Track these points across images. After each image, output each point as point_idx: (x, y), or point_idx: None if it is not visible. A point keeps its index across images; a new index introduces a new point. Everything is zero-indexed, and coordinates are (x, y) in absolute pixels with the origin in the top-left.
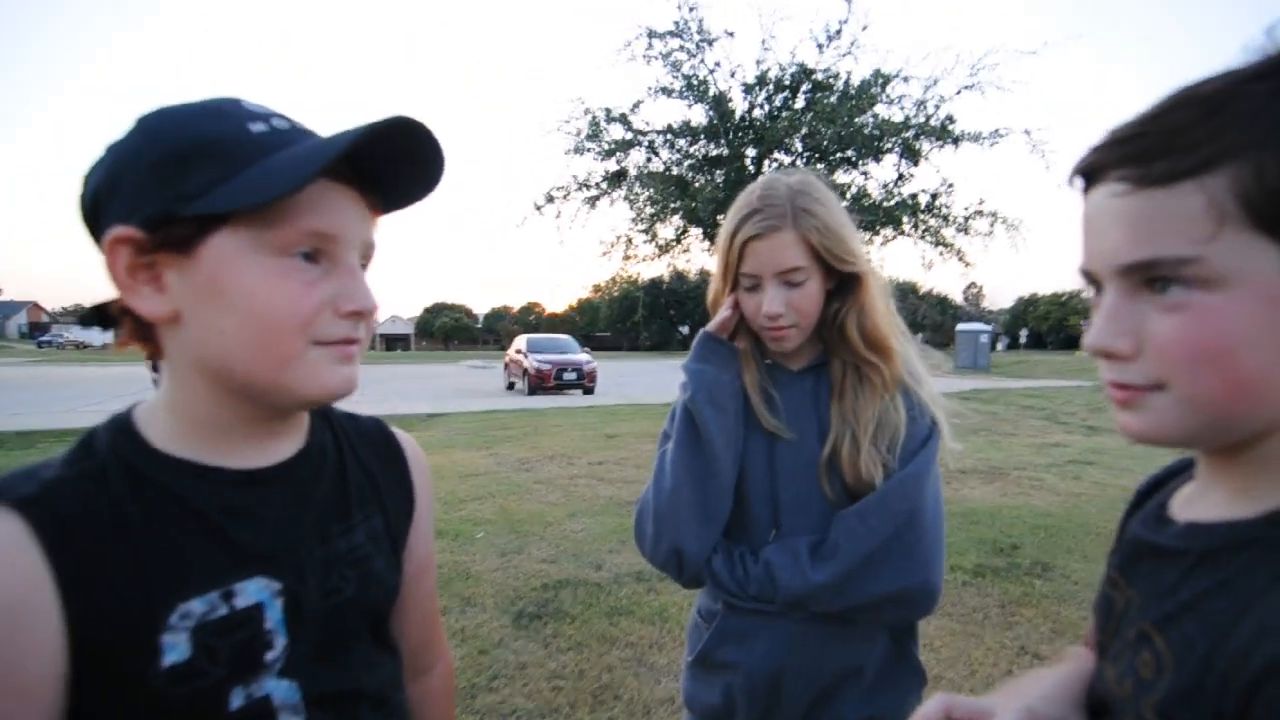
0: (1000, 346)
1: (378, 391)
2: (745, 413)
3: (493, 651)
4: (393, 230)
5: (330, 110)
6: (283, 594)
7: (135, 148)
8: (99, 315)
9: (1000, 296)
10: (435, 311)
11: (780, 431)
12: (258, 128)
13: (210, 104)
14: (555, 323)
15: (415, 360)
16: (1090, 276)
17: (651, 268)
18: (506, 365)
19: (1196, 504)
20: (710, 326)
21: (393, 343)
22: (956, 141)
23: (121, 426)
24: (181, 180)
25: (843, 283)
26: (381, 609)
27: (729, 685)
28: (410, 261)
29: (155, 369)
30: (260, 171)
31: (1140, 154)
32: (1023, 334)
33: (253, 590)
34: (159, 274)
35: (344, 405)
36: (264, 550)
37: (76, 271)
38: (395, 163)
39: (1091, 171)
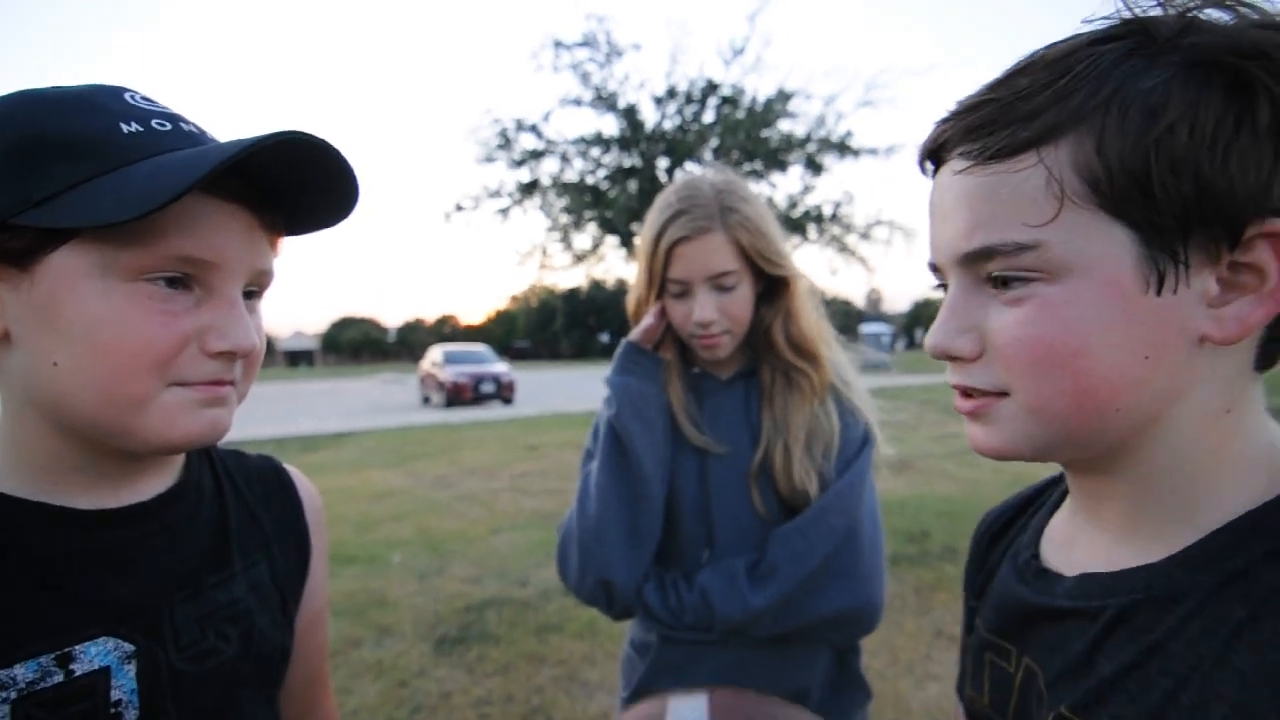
0: (899, 346)
1: (281, 410)
2: (672, 427)
3: (413, 683)
4: (293, 240)
5: (227, 114)
6: (136, 657)
7: None
8: None
9: (897, 300)
10: (342, 325)
11: (710, 446)
12: (131, 127)
13: (85, 92)
14: (472, 334)
15: (321, 376)
16: (936, 272)
17: (569, 277)
18: (422, 379)
19: (1079, 547)
20: (633, 336)
21: (296, 359)
22: (856, 154)
23: None
24: (27, 181)
25: (769, 287)
26: (271, 673)
27: None
28: (313, 273)
29: None
30: (119, 181)
31: (981, 125)
32: (918, 333)
33: (96, 653)
34: None
35: (240, 429)
36: (115, 605)
37: None
38: (300, 181)
39: (938, 151)
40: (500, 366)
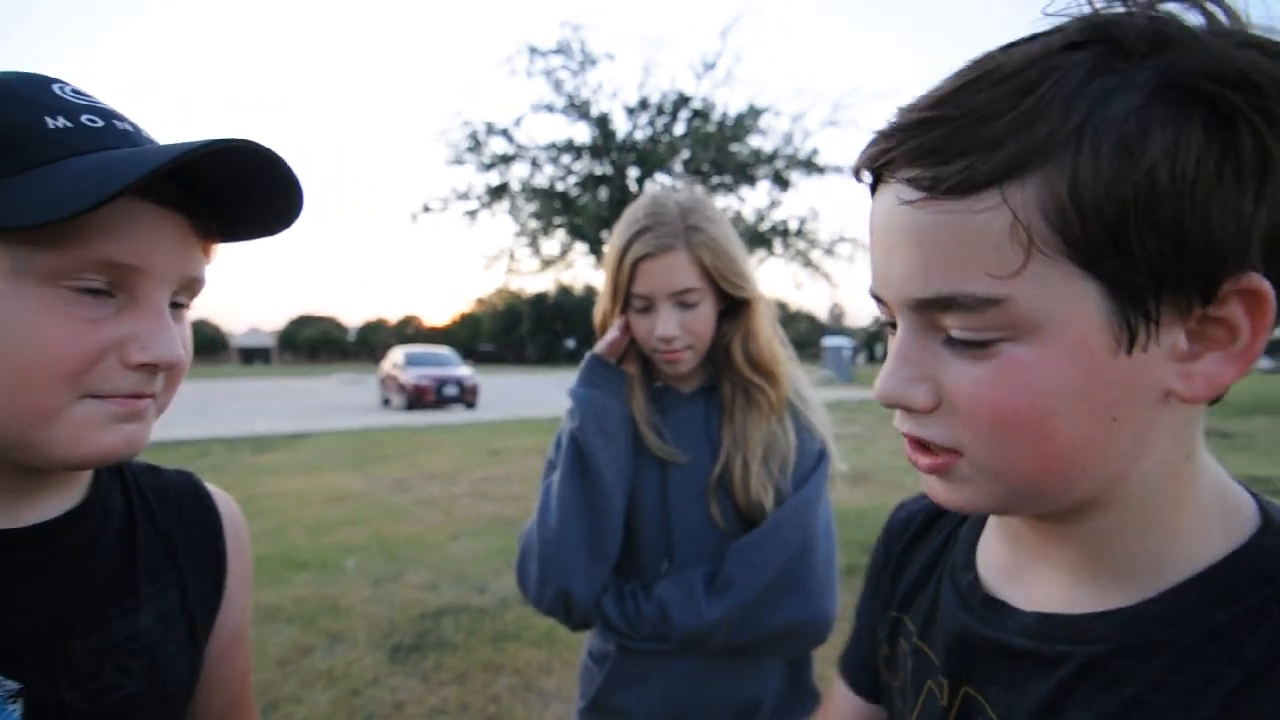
0: (861, 360)
1: (233, 409)
2: (634, 439)
3: (365, 692)
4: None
5: (193, 111)
6: (23, 696)
7: None
8: None
9: (860, 315)
10: (300, 323)
11: (672, 456)
12: (56, 122)
13: (12, 80)
14: (436, 336)
15: (277, 375)
16: (881, 305)
17: (536, 281)
18: (382, 380)
19: (1029, 581)
20: (598, 349)
21: (250, 356)
22: (821, 172)
23: None
24: None
25: (731, 305)
26: (176, 707)
27: None
28: (271, 268)
29: None
30: (39, 180)
31: (933, 150)
32: (878, 348)
33: None
34: None
35: (189, 428)
36: (4, 637)
37: None
38: (244, 188)
39: (875, 169)
40: (464, 370)
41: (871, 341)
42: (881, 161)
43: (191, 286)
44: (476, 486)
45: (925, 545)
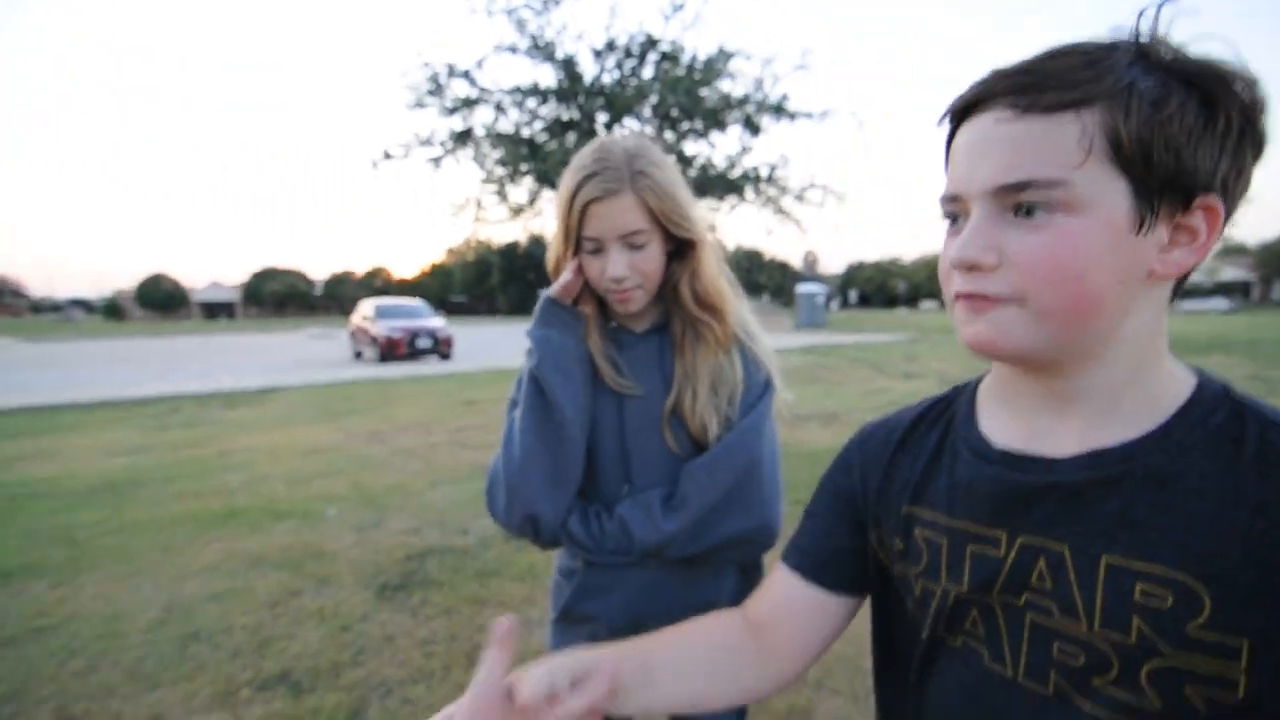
0: (834, 306)
1: (199, 365)
2: (592, 375)
3: (356, 627)
4: (209, 187)
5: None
6: None
7: None
8: None
9: (832, 262)
10: (264, 276)
11: (628, 389)
12: None
13: None
14: (407, 288)
15: (242, 330)
16: (954, 202)
17: (505, 230)
18: (353, 333)
19: (1051, 436)
20: (552, 291)
21: (214, 310)
22: (792, 117)
23: None
24: None
25: (679, 247)
26: None
27: (592, 635)
28: (231, 222)
29: None
30: None
31: (1029, 86)
32: (852, 294)
33: None
34: None
35: (155, 384)
36: None
37: None
38: None
39: (968, 107)
40: (437, 321)
41: (845, 288)
42: (984, 96)
43: None
44: (454, 436)
45: (911, 450)
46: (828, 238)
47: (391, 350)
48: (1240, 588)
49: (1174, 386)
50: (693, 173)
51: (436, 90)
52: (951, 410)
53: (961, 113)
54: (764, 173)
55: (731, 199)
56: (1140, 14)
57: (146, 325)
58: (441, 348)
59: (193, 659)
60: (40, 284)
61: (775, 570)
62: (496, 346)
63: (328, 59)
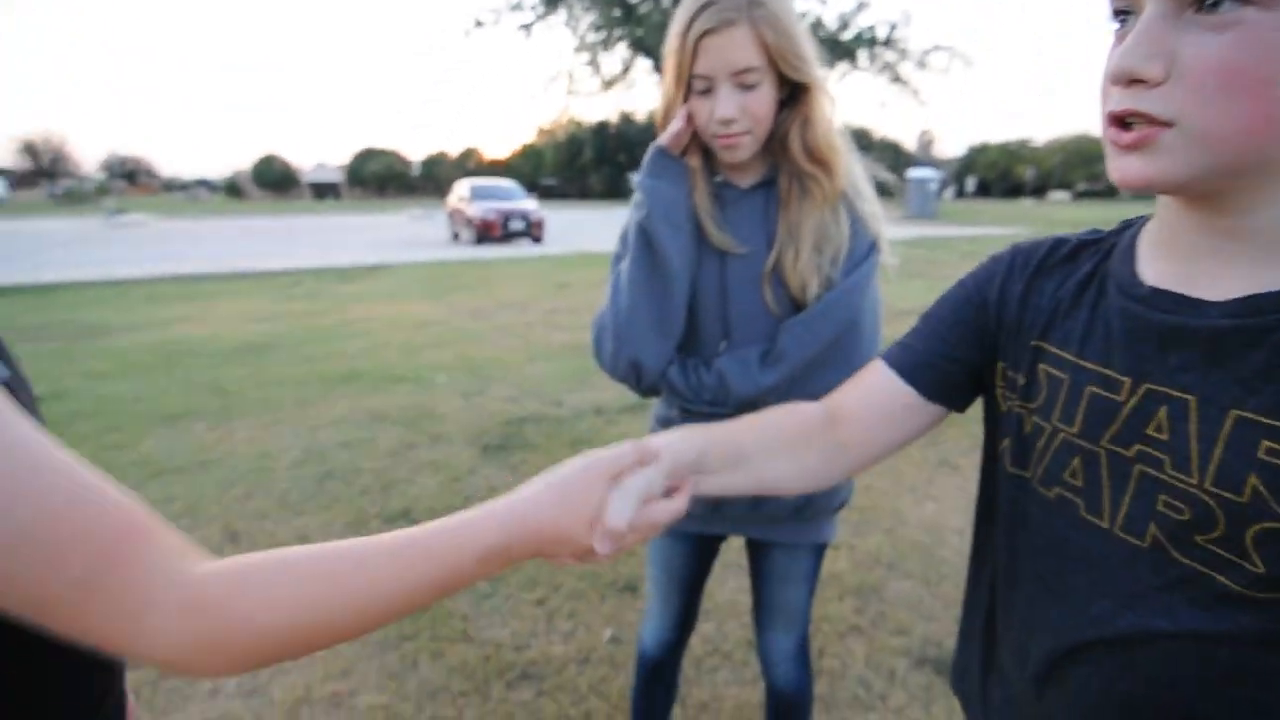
0: (948, 194)
1: (315, 241)
2: (696, 229)
3: (464, 479)
4: (313, 70)
5: None
6: None
7: None
8: None
9: (951, 144)
10: (366, 157)
11: (731, 247)
12: None
13: None
14: (498, 170)
15: (349, 210)
16: (1124, 8)
17: (597, 106)
18: (450, 214)
19: (1210, 282)
20: (662, 140)
21: (321, 191)
22: None
23: None
24: None
25: (791, 95)
26: None
27: None
28: (334, 104)
29: None
30: None
31: None
32: (970, 182)
33: None
34: None
35: (277, 260)
36: None
37: None
38: None
39: None
40: (529, 204)
41: (962, 175)
42: None
43: None
44: (547, 316)
45: (1055, 278)
46: (947, 114)
47: (487, 231)
48: None
49: None
50: None
51: None
52: (1110, 244)
53: None
54: (881, 34)
55: (842, 66)
56: None
57: (263, 204)
58: (534, 230)
59: (329, 493)
60: (169, 164)
61: (871, 365)
62: (587, 230)
63: None
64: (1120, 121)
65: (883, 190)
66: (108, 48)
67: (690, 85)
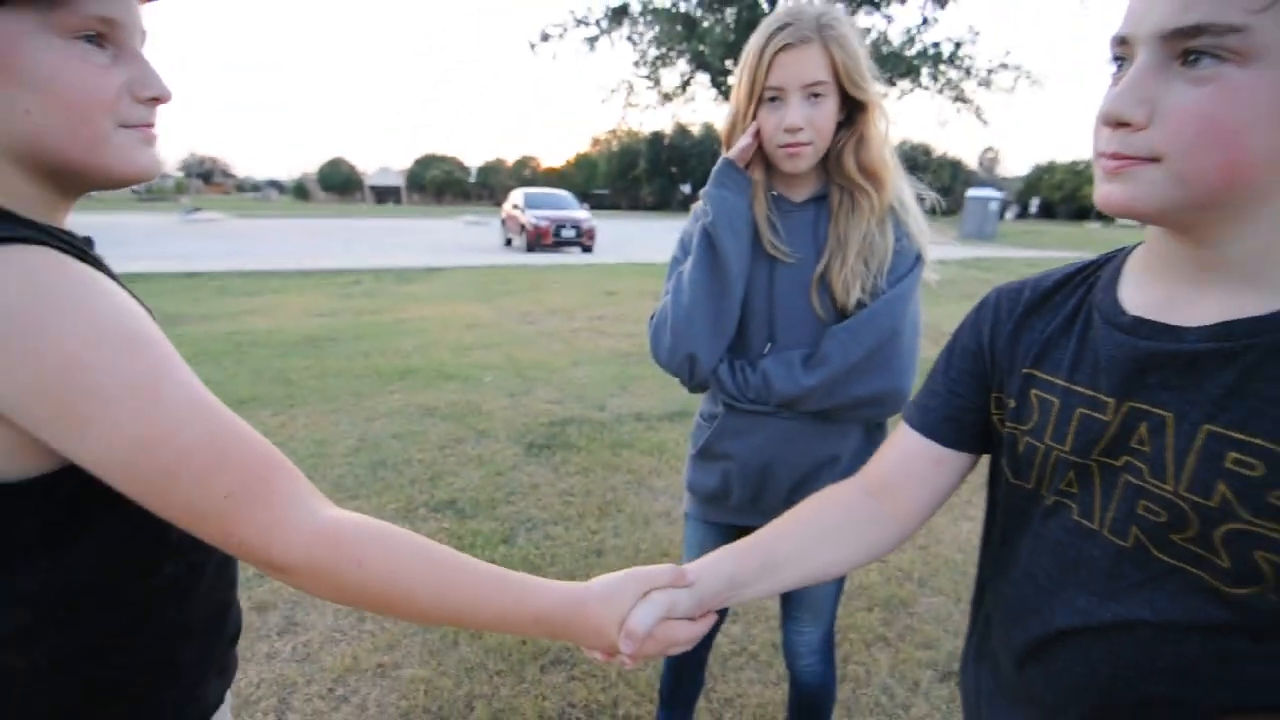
0: (1009, 215)
1: (375, 242)
2: (753, 237)
3: (508, 473)
4: (380, 73)
5: None
6: None
7: None
8: None
9: (1015, 164)
10: (426, 163)
11: (783, 255)
12: None
13: None
14: (552, 179)
15: (409, 215)
16: (1124, 44)
17: (654, 118)
18: (504, 221)
19: (1189, 308)
20: (731, 154)
21: (383, 195)
22: None
23: None
24: None
25: (850, 115)
26: None
27: (726, 472)
28: (398, 109)
29: None
30: None
31: None
32: (1034, 203)
33: None
34: None
35: (344, 259)
36: None
37: None
38: None
39: None
40: (582, 213)
41: (1026, 195)
42: None
43: (143, 38)
44: (594, 323)
45: (1045, 315)
46: (1012, 132)
47: (539, 239)
48: None
49: None
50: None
51: None
52: (1095, 276)
53: None
54: (946, 51)
55: (903, 84)
56: None
57: (328, 206)
58: (584, 239)
59: (381, 480)
60: (243, 165)
61: (895, 433)
62: (637, 241)
63: None
64: (1110, 156)
65: (940, 209)
66: (191, 54)
67: (762, 97)
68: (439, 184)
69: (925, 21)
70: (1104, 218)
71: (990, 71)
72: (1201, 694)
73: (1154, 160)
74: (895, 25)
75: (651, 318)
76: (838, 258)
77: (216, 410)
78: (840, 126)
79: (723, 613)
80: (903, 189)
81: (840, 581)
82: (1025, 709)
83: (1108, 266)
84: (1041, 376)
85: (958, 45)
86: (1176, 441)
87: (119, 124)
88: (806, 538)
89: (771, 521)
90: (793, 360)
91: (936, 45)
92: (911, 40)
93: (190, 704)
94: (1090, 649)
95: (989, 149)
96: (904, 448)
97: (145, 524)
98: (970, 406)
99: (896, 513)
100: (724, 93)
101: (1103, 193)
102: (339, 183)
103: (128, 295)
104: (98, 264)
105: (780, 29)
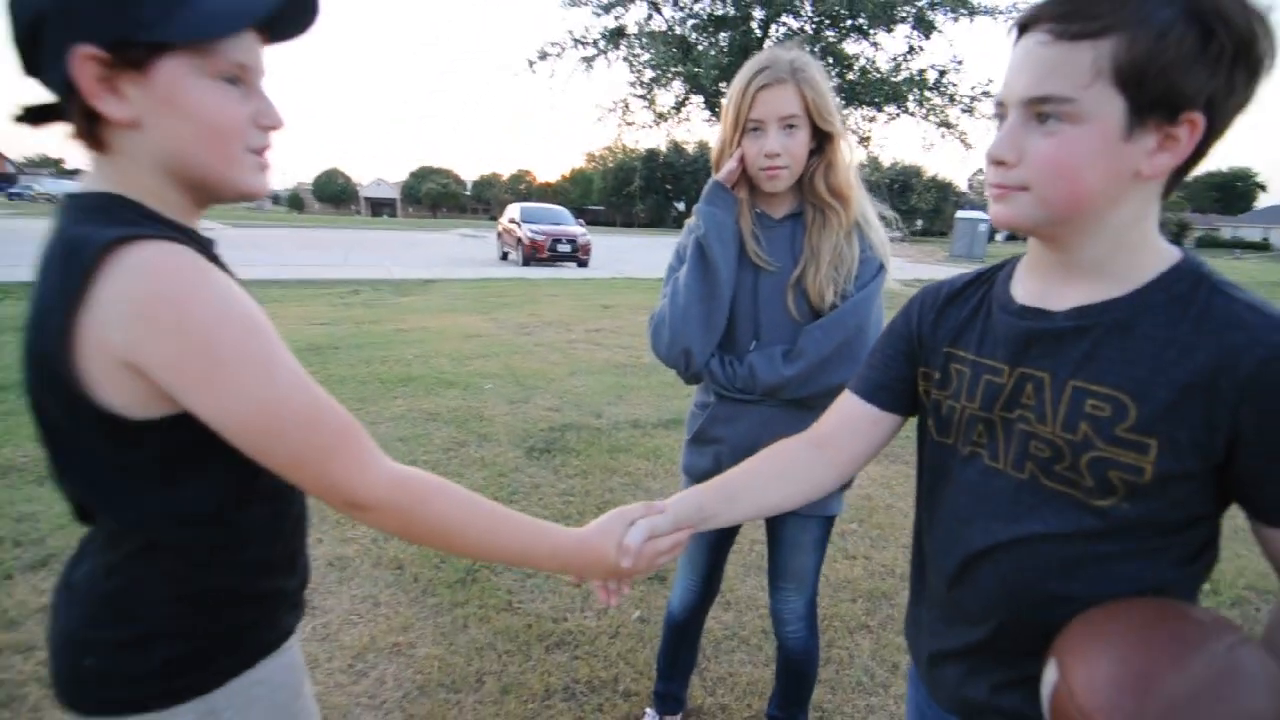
0: (1000, 237)
1: (370, 255)
2: (739, 248)
3: (510, 475)
4: (375, 86)
5: None
6: None
7: None
8: (38, 113)
9: None
10: (421, 176)
11: (765, 264)
12: None
13: None
14: (547, 193)
15: (404, 227)
16: (1001, 106)
17: (649, 137)
18: (500, 234)
19: (1062, 291)
20: (719, 176)
21: (378, 208)
22: (973, 14)
23: (122, 207)
24: (133, 11)
25: (820, 144)
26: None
27: (717, 454)
28: (393, 122)
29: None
30: (200, 9)
31: (1063, 15)
32: None
33: None
34: (117, 86)
35: (340, 270)
36: None
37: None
38: (288, 14)
39: (1026, 25)
40: (577, 228)
41: None
42: (1034, 18)
43: (263, 75)
44: (590, 335)
45: (958, 306)
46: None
47: (534, 253)
48: (1157, 403)
49: (1155, 261)
50: (852, 75)
51: None
52: (994, 276)
53: (1020, 28)
54: (931, 78)
55: (890, 109)
56: None
57: (322, 217)
58: (580, 254)
59: None
60: None
61: (841, 397)
62: (631, 256)
63: None
64: (996, 186)
65: (932, 230)
66: None
67: (745, 128)
68: (434, 196)
69: (911, 50)
70: None
71: (973, 99)
72: (1084, 588)
73: (1024, 189)
74: (883, 53)
75: (651, 317)
76: (812, 266)
77: (312, 385)
78: (812, 154)
79: (711, 595)
80: (866, 208)
81: (820, 554)
82: (958, 626)
83: (1003, 270)
84: (958, 353)
85: (942, 73)
86: (1052, 395)
87: (246, 148)
88: (762, 477)
89: (732, 468)
90: (774, 354)
91: (922, 73)
92: (898, 68)
93: (270, 628)
94: (1001, 563)
95: (979, 171)
96: (846, 409)
97: (239, 471)
98: (901, 378)
99: (837, 460)
100: (717, 114)
101: (993, 213)
102: (334, 194)
103: (241, 288)
104: (218, 261)
105: (760, 71)
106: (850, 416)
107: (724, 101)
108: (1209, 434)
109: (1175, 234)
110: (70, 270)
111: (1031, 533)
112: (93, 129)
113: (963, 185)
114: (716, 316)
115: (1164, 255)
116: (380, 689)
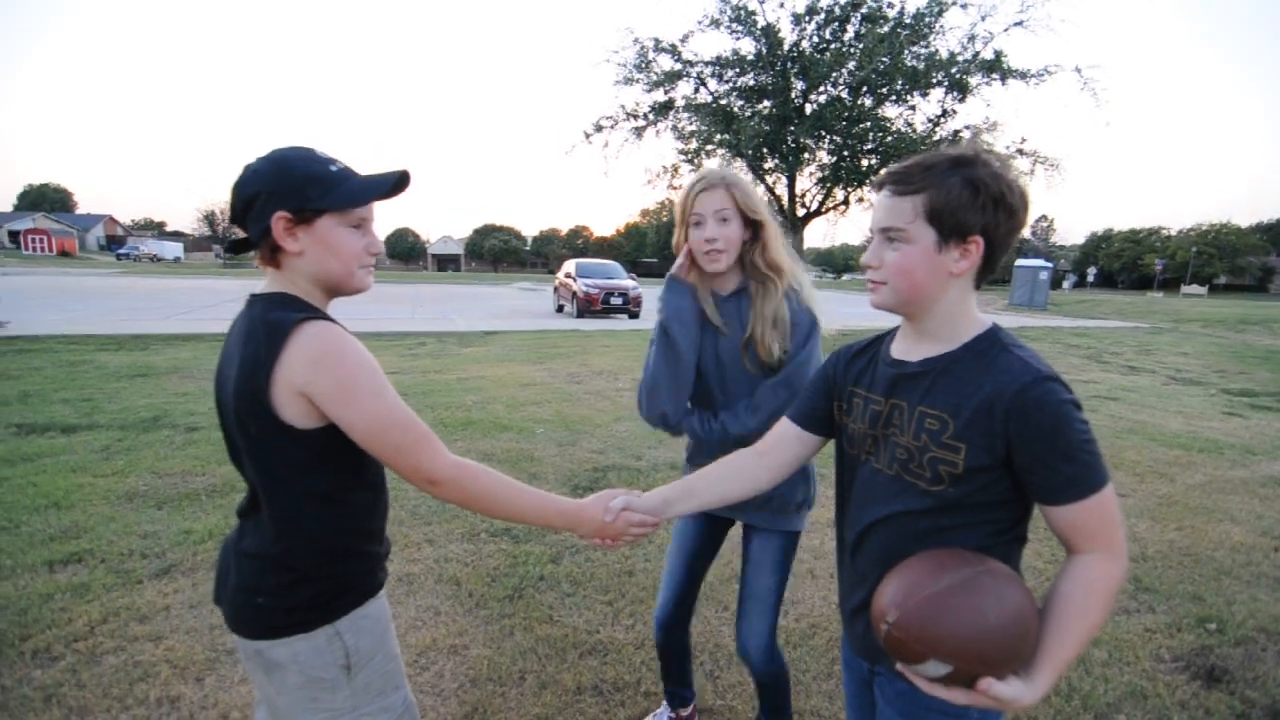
0: (1066, 285)
1: (436, 309)
2: (701, 321)
3: None
4: (446, 152)
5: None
6: None
7: (275, 174)
8: (239, 245)
9: (1071, 233)
10: (484, 233)
11: (722, 328)
12: (334, 168)
13: (304, 151)
14: (602, 247)
15: (467, 281)
16: (870, 231)
17: None
18: (556, 288)
19: (916, 349)
20: (674, 271)
21: (444, 263)
22: (1005, 77)
23: (295, 301)
24: (308, 192)
25: (754, 231)
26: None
27: None
28: (461, 183)
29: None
30: (344, 190)
31: (897, 180)
32: (1091, 272)
33: None
34: (295, 232)
35: (409, 324)
36: None
37: (146, 188)
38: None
39: (880, 185)
40: (629, 282)
41: (1083, 265)
42: (885, 181)
43: (373, 219)
44: (636, 384)
45: (860, 359)
46: (1068, 205)
47: (588, 305)
48: (964, 420)
49: (972, 328)
50: (889, 138)
51: (644, 65)
52: (883, 339)
53: (878, 186)
54: (965, 138)
55: None
56: (970, 137)
57: (393, 272)
58: (631, 306)
59: (448, 510)
60: None
61: (780, 421)
62: None
63: (544, 42)
64: (871, 282)
65: (993, 280)
66: (274, 128)
67: (689, 222)
68: (496, 252)
69: (944, 113)
70: (1168, 285)
71: (1010, 157)
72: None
73: (884, 284)
74: (919, 114)
75: (637, 388)
76: (759, 326)
77: (406, 407)
78: (749, 240)
79: (688, 605)
80: (799, 275)
81: (781, 576)
82: (859, 585)
83: (889, 335)
84: (858, 391)
85: (975, 135)
86: (908, 416)
87: (361, 266)
88: (715, 477)
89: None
90: (740, 411)
91: (956, 133)
92: (934, 129)
93: (370, 578)
94: (880, 533)
95: (1043, 217)
96: (782, 429)
97: (352, 465)
98: (822, 408)
99: (772, 465)
100: (759, 176)
101: (870, 299)
102: (404, 250)
103: (361, 343)
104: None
105: (699, 179)
106: (785, 435)
107: (766, 159)
108: (992, 440)
109: (1260, 278)
110: (274, 338)
111: (897, 511)
112: (274, 255)
113: (1026, 232)
114: (683, 381)
115: (978, 324)
116: (440, 680)
